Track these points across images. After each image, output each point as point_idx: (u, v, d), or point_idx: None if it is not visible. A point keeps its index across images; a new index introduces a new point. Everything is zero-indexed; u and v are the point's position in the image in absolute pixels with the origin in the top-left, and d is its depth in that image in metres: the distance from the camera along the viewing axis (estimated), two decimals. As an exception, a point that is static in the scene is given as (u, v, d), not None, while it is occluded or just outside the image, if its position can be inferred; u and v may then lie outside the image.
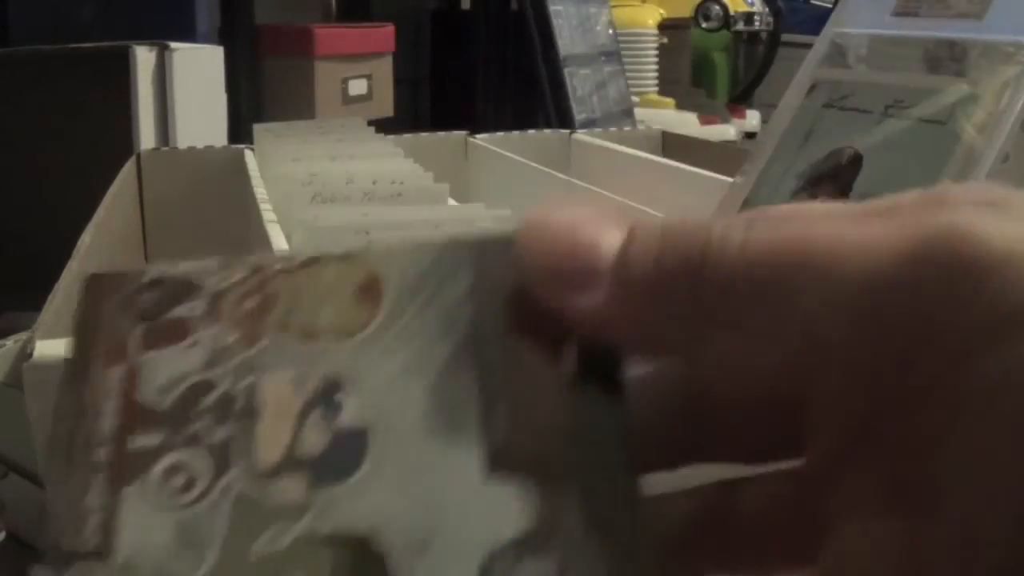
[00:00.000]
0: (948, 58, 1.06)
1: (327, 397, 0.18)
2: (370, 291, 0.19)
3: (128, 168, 0.74)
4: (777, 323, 0.16)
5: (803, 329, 0.16)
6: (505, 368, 0.18)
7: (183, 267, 0.19)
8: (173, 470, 0.18)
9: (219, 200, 0.76)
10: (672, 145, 0.92)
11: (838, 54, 1.11)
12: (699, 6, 2.60)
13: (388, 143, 0.74)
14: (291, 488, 0.17)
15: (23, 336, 0.65)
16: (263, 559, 0.17)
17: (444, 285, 0.19)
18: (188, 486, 0.17)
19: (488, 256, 0.19)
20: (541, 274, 0.18)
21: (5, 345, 0.65)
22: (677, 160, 0.76)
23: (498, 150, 0.81)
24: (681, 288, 0.17)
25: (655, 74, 2.43)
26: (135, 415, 0.18)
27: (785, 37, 2.63)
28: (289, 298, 0.19)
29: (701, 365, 0.18)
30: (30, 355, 0.38)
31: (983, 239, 0.15)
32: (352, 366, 0.19)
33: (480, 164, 0.84)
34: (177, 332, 0.19)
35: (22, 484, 0.60)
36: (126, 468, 0.18)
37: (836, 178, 0.67)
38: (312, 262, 0.19)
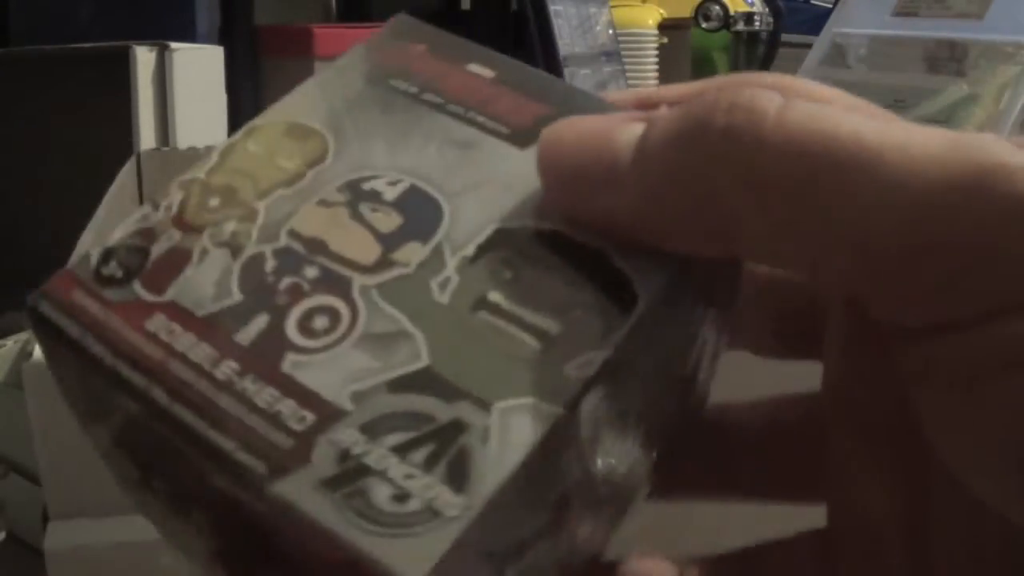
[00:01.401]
0: (948, 58, 1.06)
1: (360, 192, 0.18)
2: (301, 131, 0.19)
3: (128, 168, 0.74)
4: (803, 214, 0.15)
5: (833, 226, 0.15)
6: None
7: (121, 230, 0.18)
8: (307, 319, 0.17)
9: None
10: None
11: (838, 54, 1.12)
12: (699, 6, 2.60)
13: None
14: (412, 253, 0.17)
15: (23, 336, 0.65)
16: (450, 309, 0.17)
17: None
18: (334, 321, 0.17)
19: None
20: (561, 183, 0.17)
21: (5, 345, 0.65)
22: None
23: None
24: (701, 158, 0.15)
25: (655, 74, 2.43)
26: (215, 328, 0.17)
27: (785, 37, 2.62)
28: (248, 167, 0.19)
29: (730, 248, 0.16)
30: (30, 355, 0.38)
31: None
32: (352, 166, 0.19)
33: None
34: (175, 264, 0.18)
35: (22, 484, 0.60)
36: (266, 356, 0.16)
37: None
38: (248, 133, 0.20)
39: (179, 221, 0.18)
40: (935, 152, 0.15)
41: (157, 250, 0.18)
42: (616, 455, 0.18)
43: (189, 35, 1.39)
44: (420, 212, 0.18)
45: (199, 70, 1.14)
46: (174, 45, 1.08)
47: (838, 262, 0.15)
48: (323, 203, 0.18)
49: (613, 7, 2.09)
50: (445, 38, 0.22)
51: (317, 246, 0.18)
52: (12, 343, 0.65)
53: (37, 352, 0.38)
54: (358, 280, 0.17)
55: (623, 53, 2.07)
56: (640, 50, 2.44)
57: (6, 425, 0.60)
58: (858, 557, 0.19)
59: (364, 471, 0.15)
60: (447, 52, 0.21)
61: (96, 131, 1.03)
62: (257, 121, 0.20)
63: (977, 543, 0.17)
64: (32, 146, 1.07)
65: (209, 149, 0.19)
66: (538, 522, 0.17)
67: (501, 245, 0.17)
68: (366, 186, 0.18)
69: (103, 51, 1.06)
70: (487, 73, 0.21)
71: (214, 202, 0.18)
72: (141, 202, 0.76)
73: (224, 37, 1.54)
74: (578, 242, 0.17)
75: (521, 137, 0.19)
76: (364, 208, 0.18)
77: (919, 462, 0.18)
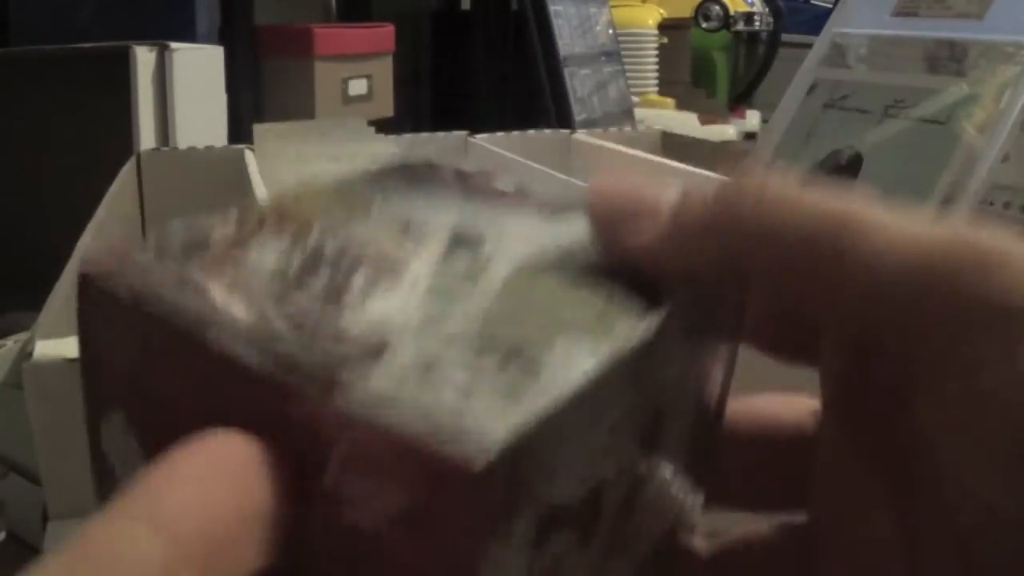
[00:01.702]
0: (948, 58, 1.06)
1: (409, 224, 0.20)
2: (348, 189, 0.21)
3: (128, 168, 0.74)
4: (818, 269, 0.18)
5: (833, 290, 0.18)
6: None
7: (191, 223, 0.19)
8: (371, 279, 0.18)
9: (219, 200, 0.75)
10: (672, 145, 0.92)
11: (838, 54, 1.11)
12: (699, 6, 2.60)
13: (388, 143, 0.74)
14: (461, 260, 0.19)
15: (23, 336, 0.65)
16: (504, 284, 0.18)
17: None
18: (397, 280, 0.18)
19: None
20: (608, 216, 0.20)
21: (5, 345, 0.65)
22: (677, 160, 0.76)
23: (498, 150, 0.81)
24: (729, 228, 0.19)
25: (655, 74, 2.43)
26: (277, 282, 0.17)
27: (785, 37, 2.63)
28: (301, 205, 0.20)
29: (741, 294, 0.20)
30: (30, 355, 0.38)
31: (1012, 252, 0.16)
32: (399, 214, 0.20)
33: (480, 164, 0.84)
34: (236, 246, 0.18)
35: (22, 484, 0.60)
36: (330, 298, 0.17)
37: (836, 179, 0.68)
38: (294, 190, 0.21)
39: (239, 224, 0.19)
40: (924, 224, 0.17)
41: (217, 236, 0.19)
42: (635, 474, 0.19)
43: (189, 35, 1.39)
44: (466, 239, 0.20)
45: (199, 70, 1.14)
46: (174, 45, 1.08)
47: (846, 308, 0.18)
48: (375, 225, 0.20)
49: (613, 7, 2.09)
50: (470, 166, 0.24)
51: (373, 245, 0.19)
52: (12, 343, 0.65)
53: (37, 352, 0.38)
54: (416, 263, 0.18)
55: (623, 53, 2.07)
56: (640, 50, 2.44)
57: (6, 425, 0.60)
58: (849, 567, 0.19)
59: (430, 376, 0.15)
60: (473, 169, 0.24)
61: (96, 131, 1.03)
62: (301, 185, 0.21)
63: (968, 551, 0.17)
64: (32, 146, 1.07)
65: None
66: (575, 494, 0.17)
67: (543, 257, 0.19)
68: (414, 222, 0.20)
69: (103, 51, 1.06)
70: (511, 183, 0.23)
71: (272, 218, 0.20)
72: (141, 202, 0.76)
73: (224, 37, 1.54)
74: (612, 264, 0.19)
75: (550, 213, 0.21)
76: (414, 232, 0.20)
77: (914, 471, 0.18)
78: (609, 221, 0.20)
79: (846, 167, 0.72)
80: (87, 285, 0.18)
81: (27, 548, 0.59)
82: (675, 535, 0.22)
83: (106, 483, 0.19)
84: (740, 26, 2.62)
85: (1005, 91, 1.09)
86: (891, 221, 0.17)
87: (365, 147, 0.71)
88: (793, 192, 0.18)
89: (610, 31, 2.02)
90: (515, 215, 0.21)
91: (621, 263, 0.19)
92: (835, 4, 1.27)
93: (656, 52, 2.44)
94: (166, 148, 0.94)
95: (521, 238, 0.20)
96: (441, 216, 0.20)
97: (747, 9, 2.62)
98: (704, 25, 2.60)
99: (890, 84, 1.15)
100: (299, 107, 1.76)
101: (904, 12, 1.20)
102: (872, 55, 1.24)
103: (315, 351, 0.16)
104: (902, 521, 0.18)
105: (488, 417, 0.14)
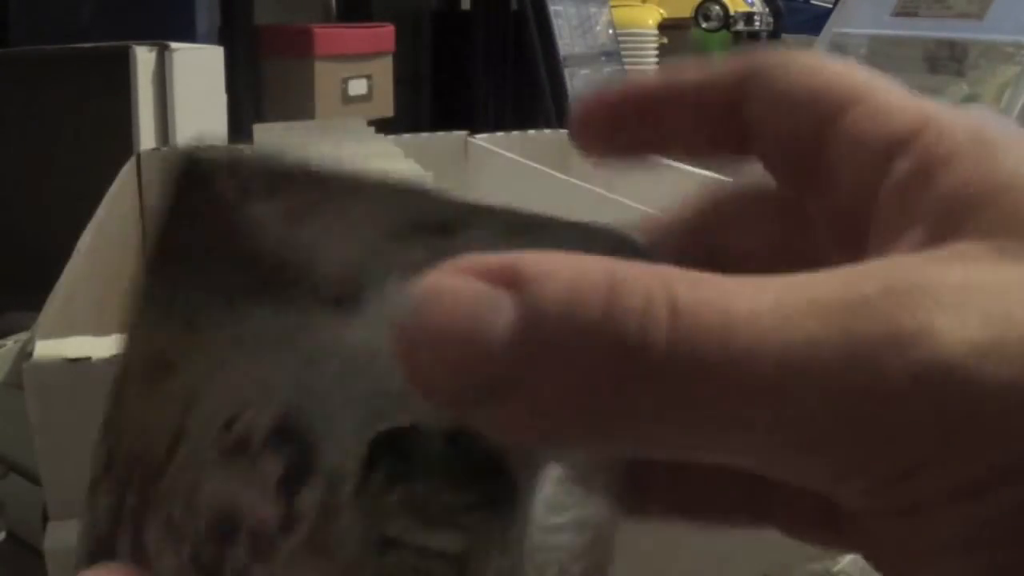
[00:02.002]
0: (948, 58, 1.06)
1: (237, 442, 0.18)
2: (161, 367, 0.19)
3: (128, 168, 0.74)
4: (718, 423, 0.14)
5: (742, 433, 0.14)
6: None
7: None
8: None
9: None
10: (672, 145, 0.92)
11: (838, 54, 1.11)
12: (699, 6, 2.60)
13: (388, 143, 0.74)
14: (309, 501, 0.18)
15: (23, 336, 0.65)
16: (361, 561, 0.17)
17: None
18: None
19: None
20: (433, 395, 0.15)
21: (5, 345, 0.65)
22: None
23: (498, 150, 0.81)
24: (595, 370, 0.14)
25: (655, 74, 2.43)
26: None
27: (785, 37, 2.63)
28: (135, 445, 0.20)
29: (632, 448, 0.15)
30: (30, 355, 0.38)
31: (967, 373, 0.14)
32: (216, 406, 0.19)
33: (480, 164, 0.84)
34: (143, 566, 0.19)
35: (22, 484, 0.60)
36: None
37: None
38: (121, 382, 0.20)
39: (128, 521, 0.20)
40: (828, 361, 0.14)
41: (122, 549, 0.19)
42: None
43: (189, 35, 1.39)
44: (297, 449, 0.18)
45: (199, 70, 1.14)
46: (174, 45, 1.08)
47: (765, 458, 0.15)
48: (215, 466, 0.18)
49: (613, 7, 2.09)
50: (229, 168, 0.19)
51: (235, 518, 0.18)
52: (12, 343, 0.65)
53: (37, 352, 0.38)
54: (282, 546, 0.18)
55: (623, 53, 2.08)
56: (640, 50, 2.44)
57: (6, 425, 0.60)
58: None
59: None
60: (236, 195, 0.19)
61: (96, 131, 1.03)
62: (123, 362, 0.20)
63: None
64: (32, 146, 1.07)
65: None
66: None
67: (380, 462, 0.17)
68: (239, 429, 0.18)
69: (103, 51, 1.06)
70: (278, 209, 0.18)
71: (131, 501, 0.19)
72: (141, 202, 0.76)
73: (224, 37, 1.54)
74: (449, 431, 0.17)
75: (342, 304, 0.18)
76: (249, 461, 0.18)
77: None
78: (437, 400, 0.15)
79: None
80: None
81: (27, 548, 0.59)
82: None
83: None
84: (740, 26, 2.62)
85: (1005, 91, 1.09)
86: (807, 354, 0.14)
87: (365, 147, 0.72)
88: (663, 322, 0.14)
89: (610, 31, 2.02)
90: (317, 339, 0.18)
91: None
92: (835, 4, 1.27)
93: (656, 52, 2.44)
94: (166, 148, 0.94)
95: (349, 433, 0.17)
96: (249, 382, 0.18)
97: (747, 9, 2.62)
98: (704, 25, 2.61)
99: (890, 84, 1.15)
100: (299, 107, 1.76)
101: (904, 12, 1.20)
102: (872, 55, 1.24)
103: None
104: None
105: None
